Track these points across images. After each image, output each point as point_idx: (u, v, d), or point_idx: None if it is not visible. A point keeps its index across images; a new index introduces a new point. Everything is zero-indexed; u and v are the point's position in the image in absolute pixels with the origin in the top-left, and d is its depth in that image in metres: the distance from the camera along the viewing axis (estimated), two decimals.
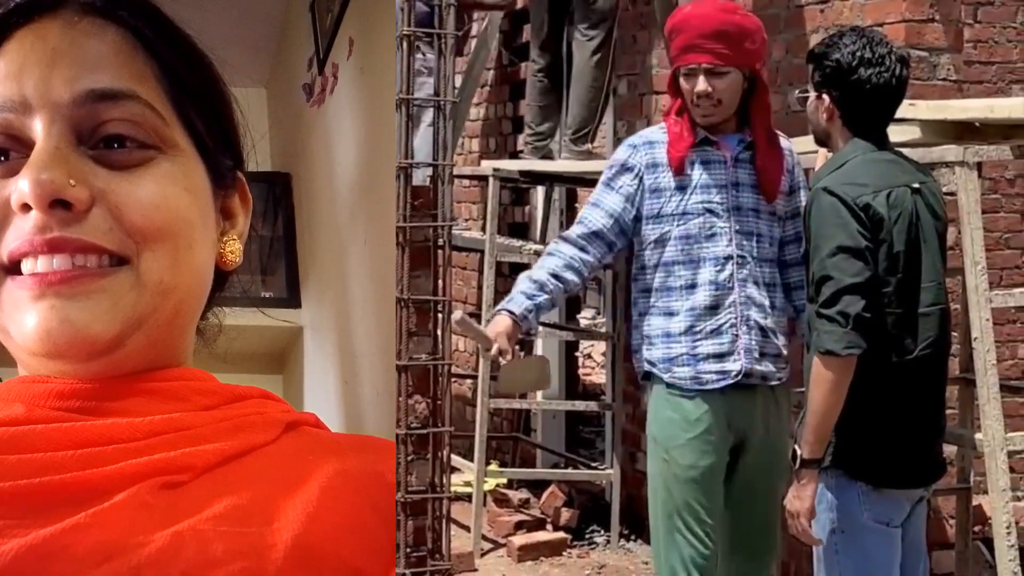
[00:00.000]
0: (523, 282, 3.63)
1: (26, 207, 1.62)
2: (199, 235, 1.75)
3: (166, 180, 1.69)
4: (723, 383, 3.64)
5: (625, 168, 3.69)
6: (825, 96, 3.40)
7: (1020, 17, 7.33)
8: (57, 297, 1.61)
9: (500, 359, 3.51)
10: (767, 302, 3.68)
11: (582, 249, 3.67)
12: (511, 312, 3.55)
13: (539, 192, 7.54)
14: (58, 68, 1.67)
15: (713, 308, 3.63)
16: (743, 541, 3.80)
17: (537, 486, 7.05)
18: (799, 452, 3.26)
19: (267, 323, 4.32)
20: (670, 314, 3.66)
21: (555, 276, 3.63)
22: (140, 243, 1.65)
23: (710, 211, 3.64)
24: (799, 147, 3.91)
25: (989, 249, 7.37)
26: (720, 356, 3.64)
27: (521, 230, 7.94)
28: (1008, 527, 3.95)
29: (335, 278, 4.71)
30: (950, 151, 3.83)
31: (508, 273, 8.03)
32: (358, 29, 4.47)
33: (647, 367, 3.72)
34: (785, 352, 3.72)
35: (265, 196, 5.10)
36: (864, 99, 3.36)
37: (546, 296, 3.59)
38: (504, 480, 7.10)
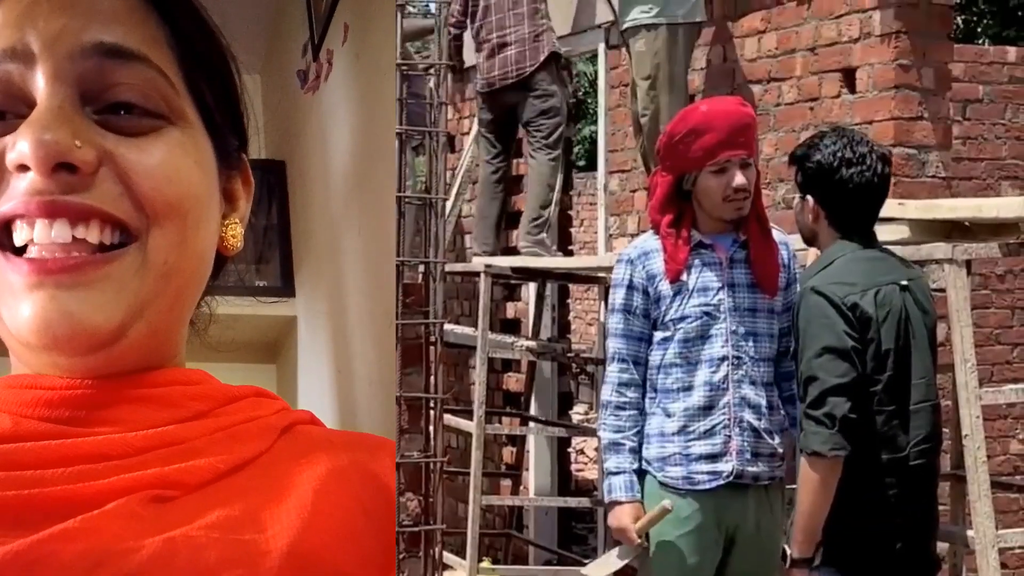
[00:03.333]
0: (623, 454, 3.67)
1: (23, 168, 1.49)
2: (206, 213, 1.66)
3: (178, 150, 1.59)
4: (714, 483, 3.62)
5: (631, 288, 3.71)
6: (810, 197, 3.44)
7: (1009, 114, 7.41)
8: (57, 287, 1.50)
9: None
10: (763, 402, 3.67)
11: (638, 386, 3.70)
12: (635, 500, 3.64)
13: (531, 288, 7.56)
14: (66, 17, 1.55)
15: (707, 409, 3.63)
16: None
17: None
18: (789, 552, 3.24)
19: (261, 312, 4.25)
20: (667, 415, 3.66)
21: (638, 430, 3.70)
22: (151, 218, 1.55)
23: (707, 313, 3.64)
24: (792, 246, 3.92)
25: (980, 345, 7.37)
26: (712, 457, 3.62)
27: (513, 326, 7.94)
28: None
29: (329, 267, 4.65)
30: (939, 249, 3.85)
31: (500, 369, 8.03)
32: (353, 15, 4.40)
33: (643, 465, 3.69)
34: (781, 451, 3.69)
35: (259, 184, 4.88)
36: (848, 198, 3.39)
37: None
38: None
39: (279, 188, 5.14)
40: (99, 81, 1.54)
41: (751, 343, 3.65)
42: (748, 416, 3.63)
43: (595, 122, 6.93)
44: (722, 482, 3.61)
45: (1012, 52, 7.47)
